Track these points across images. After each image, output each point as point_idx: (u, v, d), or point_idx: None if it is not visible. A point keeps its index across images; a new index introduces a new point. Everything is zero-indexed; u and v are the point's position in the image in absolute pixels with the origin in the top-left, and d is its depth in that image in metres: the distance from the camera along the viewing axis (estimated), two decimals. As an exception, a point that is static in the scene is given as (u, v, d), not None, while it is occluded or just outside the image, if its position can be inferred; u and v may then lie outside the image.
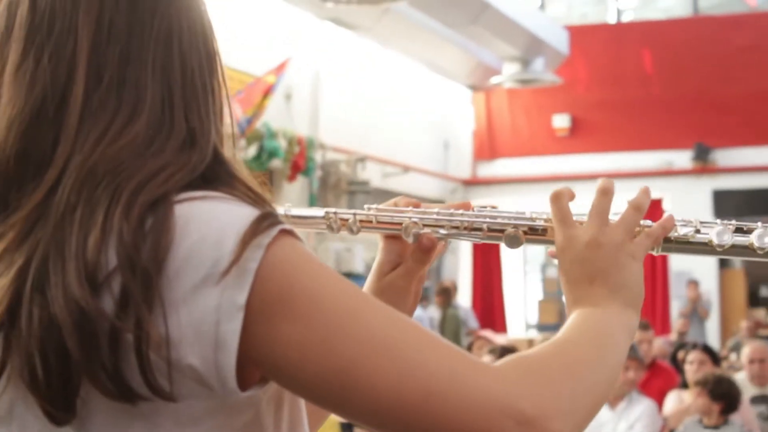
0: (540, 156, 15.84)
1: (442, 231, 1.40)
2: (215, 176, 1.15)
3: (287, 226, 1.08)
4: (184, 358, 1.03)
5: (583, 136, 15.68)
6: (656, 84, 15.35)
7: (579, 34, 14.88)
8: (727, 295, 15.48)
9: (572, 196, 1.36)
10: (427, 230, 1.39)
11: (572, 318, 1.28)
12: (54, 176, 1.09)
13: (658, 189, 12.95)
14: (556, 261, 1.35)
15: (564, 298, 1.34)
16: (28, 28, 1.14)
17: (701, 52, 15.18)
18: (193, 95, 1.17)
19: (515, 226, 1.39)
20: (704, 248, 1.37)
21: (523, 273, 17.19)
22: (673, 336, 12.24)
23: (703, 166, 15.04)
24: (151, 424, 1.06)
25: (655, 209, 6.74)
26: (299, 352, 1.04)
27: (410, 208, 1.41)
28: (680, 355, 9.01)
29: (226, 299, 1.03)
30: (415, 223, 1.39)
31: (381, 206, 1.42)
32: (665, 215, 1.37)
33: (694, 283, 14.04)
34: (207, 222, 1.06)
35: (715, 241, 1.36)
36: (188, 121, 1.16)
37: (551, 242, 1.37)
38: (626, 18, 17.17)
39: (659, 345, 9.51)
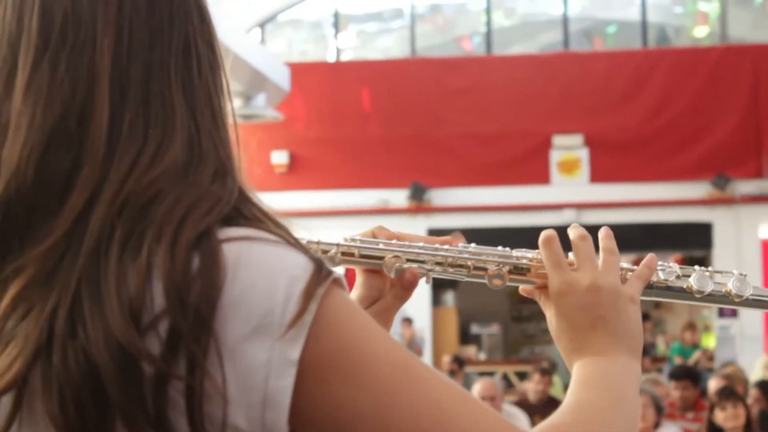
0: (258, 192, 15.66)
1: (426, 266, 1.34)
2: (248, 210, 1.06)
3: (339, 275, 1.00)
4: (230, 415, 0.95)
5: (301, 172, 15.69)
6: (374, 123, 15.57)
7: (299, 71, 14.89)
8: (439, 333, 15.81)
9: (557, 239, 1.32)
10: (410, 265, 1.33)
11: (581, 371, 1.24)
12: (80, 203, 0.97)
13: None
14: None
15: (559, 345, 1.30)
16: (40, 35, 1.01)
17: (418, 93, 15.53)
18: (212, 115, 1.08)
19: (499, 265, 1.34)
20: (682, 294, 1.37)
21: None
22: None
23: (419, 205, 15.35)
24: None
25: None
26: (351, 414, 0.98)
27: (394, 242, 1.34)
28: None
29: (277, 353, 0.95)
30: (398, 257, 1.33)
31: (360, 237, 1.35)
32: (647, 256, 1.35)
33: (408, 321, 14.24)
34: (256, 267, 0.97)
35: (695, 287, 1.36)
36: (215, 145, 1.06)
37: (532, 282, 1.34)
38: (346, 57, 17.36)
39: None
